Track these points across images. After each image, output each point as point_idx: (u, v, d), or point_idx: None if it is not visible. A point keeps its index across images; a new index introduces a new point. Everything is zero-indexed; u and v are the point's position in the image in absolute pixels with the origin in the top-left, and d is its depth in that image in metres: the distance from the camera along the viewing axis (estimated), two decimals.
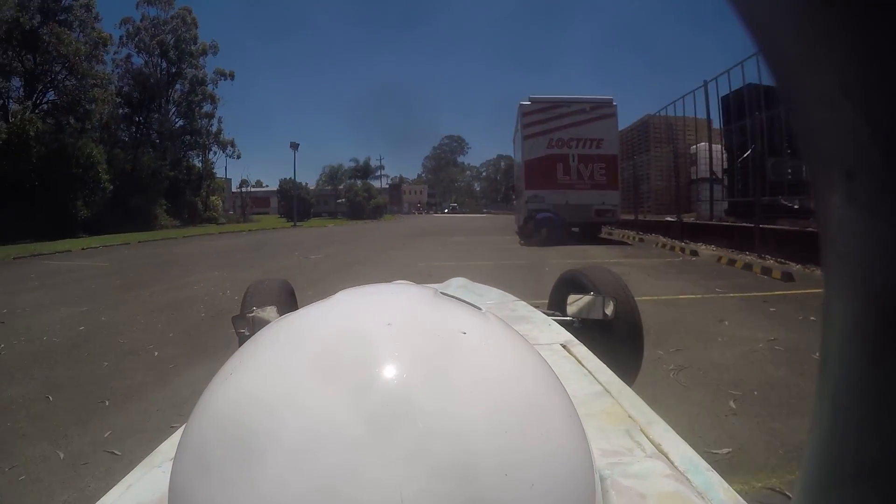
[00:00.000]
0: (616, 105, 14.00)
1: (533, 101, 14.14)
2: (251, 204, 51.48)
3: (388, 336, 0.37)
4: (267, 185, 70.87)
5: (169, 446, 0.67)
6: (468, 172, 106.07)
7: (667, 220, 14.45)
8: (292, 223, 35.41)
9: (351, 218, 46.29)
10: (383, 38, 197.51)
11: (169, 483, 0.36)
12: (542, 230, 12.47)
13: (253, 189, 67.37)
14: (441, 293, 0.45)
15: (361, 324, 0.38)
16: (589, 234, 14.32)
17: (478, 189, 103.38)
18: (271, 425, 0.32)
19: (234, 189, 52.25)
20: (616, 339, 1.85)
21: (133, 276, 8.76)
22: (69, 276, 8.86)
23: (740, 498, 0.56)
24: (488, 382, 0.35)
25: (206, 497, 0.32)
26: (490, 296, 1.94)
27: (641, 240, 13.63)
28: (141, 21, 30.71)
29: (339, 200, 54.55)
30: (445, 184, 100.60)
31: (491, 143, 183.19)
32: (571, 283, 2.18)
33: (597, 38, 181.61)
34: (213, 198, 35.29)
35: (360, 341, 0.36)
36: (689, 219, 13.14)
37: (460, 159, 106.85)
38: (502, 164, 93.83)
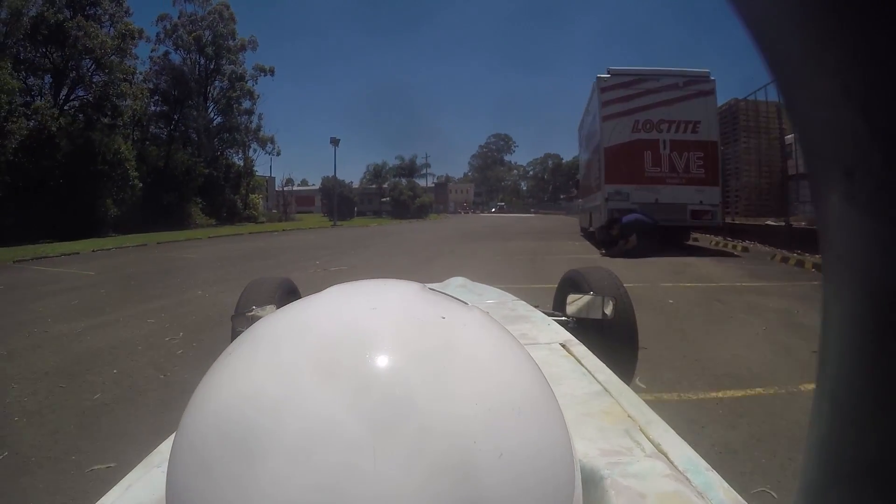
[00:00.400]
0: (714, 80, 11.09)
1: (613, 73, 11.25)
2: (294, 203, 50.57)
3: (370, 328, 0.37)
4: (312, 184, 70.40)
5: (168, 447, 0.62)
6: (515, 171, 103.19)
7: (768, 224, 11.73)
8: (332, 222, 33.86)
9: (395, 217, 44.80)
10: (431, 35, 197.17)
11: (166, 483, 0.36)
12: (629, 236, 9.57)
13: (297, 188, 67.00)
14: (429, 288, 0.45)
15: (348, 317, 0.39)
16: (672, 240, 11.12)
17: (524, 188, 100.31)
18: (267, 422, 0.32)
19: (277, 187, 51.44)
20: (614, 338, 1.85)
21: (104, 293, 6.90)
22: (38, 290, 7.23)
23: (740, 498, 0.55)
24: (468, 371, 0.36)
25: (204, 496, 0.32)
26: (489, 295, 1.91)
27: (745, 249, 10.84)
28: (178, 18, 29.99)
29: (384, 199, 53.19)
30: (492, 183, 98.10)
31: (538, 141, 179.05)
32: (573, 283, 2.19)
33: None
34: (253, 196, 34.21)
35: (349, 333, 0.36)
36: (797, 223, 10.44)
37: (507, 158, 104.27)
38: (550, 162, 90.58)
